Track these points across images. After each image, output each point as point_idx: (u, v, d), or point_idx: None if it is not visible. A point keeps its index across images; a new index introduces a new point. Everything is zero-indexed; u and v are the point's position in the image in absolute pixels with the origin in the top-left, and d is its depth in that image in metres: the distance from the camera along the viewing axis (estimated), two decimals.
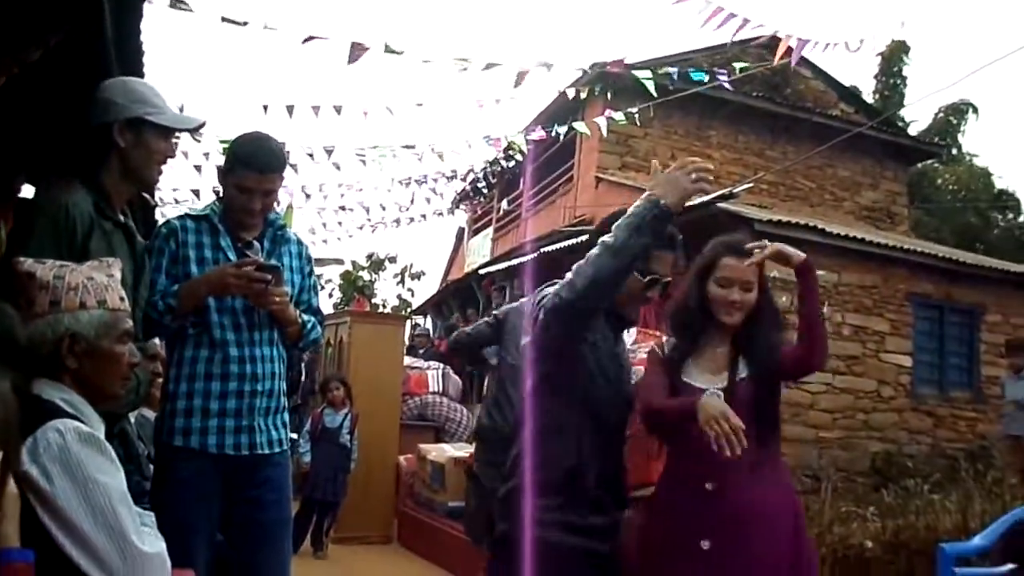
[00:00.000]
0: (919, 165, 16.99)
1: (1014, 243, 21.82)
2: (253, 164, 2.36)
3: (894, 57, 22.21)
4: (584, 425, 2.16)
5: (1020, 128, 43.80)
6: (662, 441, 2.41)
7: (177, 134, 2.60)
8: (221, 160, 2.56)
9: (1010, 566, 3.00)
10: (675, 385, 2.29)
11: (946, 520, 4.72)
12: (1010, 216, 23.84)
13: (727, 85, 6.90)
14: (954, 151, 22.63)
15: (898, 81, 22.43)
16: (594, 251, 2.05)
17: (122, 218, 2.16)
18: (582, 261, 2.07)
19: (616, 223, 2.06)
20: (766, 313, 2.34)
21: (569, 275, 2.08)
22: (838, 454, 7.66)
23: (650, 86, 6.65)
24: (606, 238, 2.04)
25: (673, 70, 6.56)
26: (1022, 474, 6.28)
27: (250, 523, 2.39)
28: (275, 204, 2.54)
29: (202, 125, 2.43)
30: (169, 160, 2.25)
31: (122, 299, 1.66)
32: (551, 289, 2.17)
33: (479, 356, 4.35)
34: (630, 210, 2.06)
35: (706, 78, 6.53)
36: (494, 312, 3.90)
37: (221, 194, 2.50)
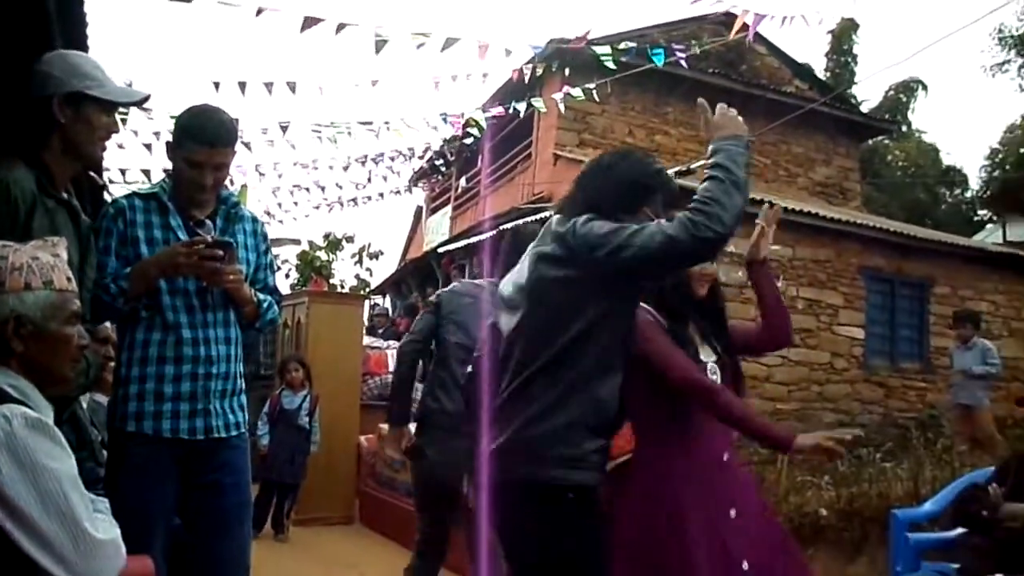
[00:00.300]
0: (870, 142, 17.28)
1: (961, 218, 22.39)
2: (202, 137, 2.28)
3: (844, 35, 22.53)
4: (623, 364, 2.09)
5: (967, 105, 44.82)
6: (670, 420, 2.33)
7: (122, 109, 2.50)
8: (167, 136, 2.47)
9: (960, 530, 3.08)
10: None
11: (898, 487, 4.84)
12: (957, 192, 24.44)
13: (683, 63, 6.89)
14: (904, 128, 23.08)
15: (848, 59, 22.78)
16: (717, 187, 1.95)
17: (66, 196, 2.08)
18: (708, 196, 1.93)
19: (720, 161, 2.00)
20: (718, 288, 2.45)
21: (704, 209, 1.92)
22: (794, 425, 7.80)
23: (609, 62, 6.63)
24: (724, 174, 1.97)
25: (632, 45, 6.53)
26: (970, 441, 6.46)
27: (209, 508, 2.35)
28: (227, 179, 2.45)
29: (146, 98, 2.31)
30: (113, 135, 2.17)
31: (69, 279, 1.60)
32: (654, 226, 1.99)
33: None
34: (723, 149, 2.02)
35: (664, 57, 6.52)
36: (429, 301, 3.74)
37: (171, 171, 2.42)
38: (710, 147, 2.06)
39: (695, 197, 1.95)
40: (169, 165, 2.41)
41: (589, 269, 1.99)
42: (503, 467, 2.06)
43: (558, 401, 2.00)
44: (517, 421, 2.02)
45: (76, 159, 2.12)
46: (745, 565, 2.18)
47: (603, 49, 6.65)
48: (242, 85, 6.66)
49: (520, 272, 2.17)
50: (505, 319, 2.18)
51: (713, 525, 2.20)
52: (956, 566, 2.87)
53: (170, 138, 2.40)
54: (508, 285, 2.22)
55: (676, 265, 2.11)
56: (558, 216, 2.14)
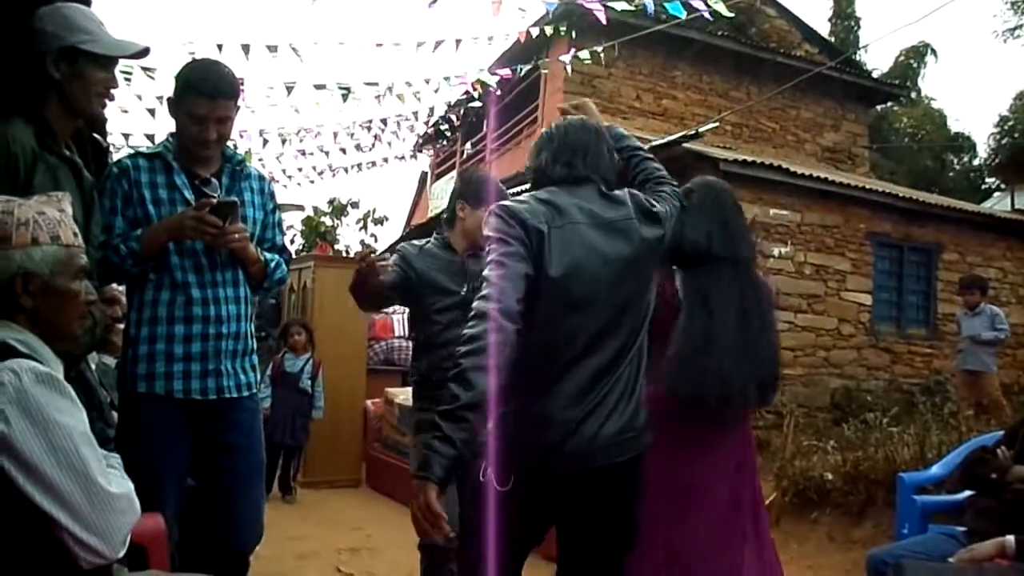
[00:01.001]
0: (878, 108, 17.09)
1: (969, 185, 22.20)
2: (204, 89, 2.24)
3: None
4: None
5: (976, 71, 44.26)
6: None
7: (124, 68, 2.44)
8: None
9: (968, 493, 3.08)
10: None
11: (904, 452, 4.83)
12: (965, 159, 24.21)
13: (707, 15, 6.75)
14: (913, 94, 22.82)
15: (852, 23, 22.48)
16: None
17: (68, 153, 2.05)
18: None
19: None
20: None
21: None
22: (799, 390, 7.82)
23: (627, 17, 6.55)
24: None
25: (648, 2, 6.41)
26: (976, 407, 6.46)
27: (224, 468, 2.35)
28: (230, 135, 2.41)
29: (144, 51, 2.22)
30: (113, 90, 2.12)
31: (76, 234, 1.58)
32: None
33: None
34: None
35: (684, 12, 6.39)
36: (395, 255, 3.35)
37: (174, 129, 2.38)
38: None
39: None
40: (173, 128, 2.37)
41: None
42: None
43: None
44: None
45: (75, 116, 2.08)
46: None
47: (621, 5, 6.54)
48: (246, 48, 6.59)
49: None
50: None
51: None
52: (963, 528, 2.87)
53: (170, 96, 2.35)
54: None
55: None
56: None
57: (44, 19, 2.01)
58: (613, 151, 2.20)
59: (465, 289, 2.73)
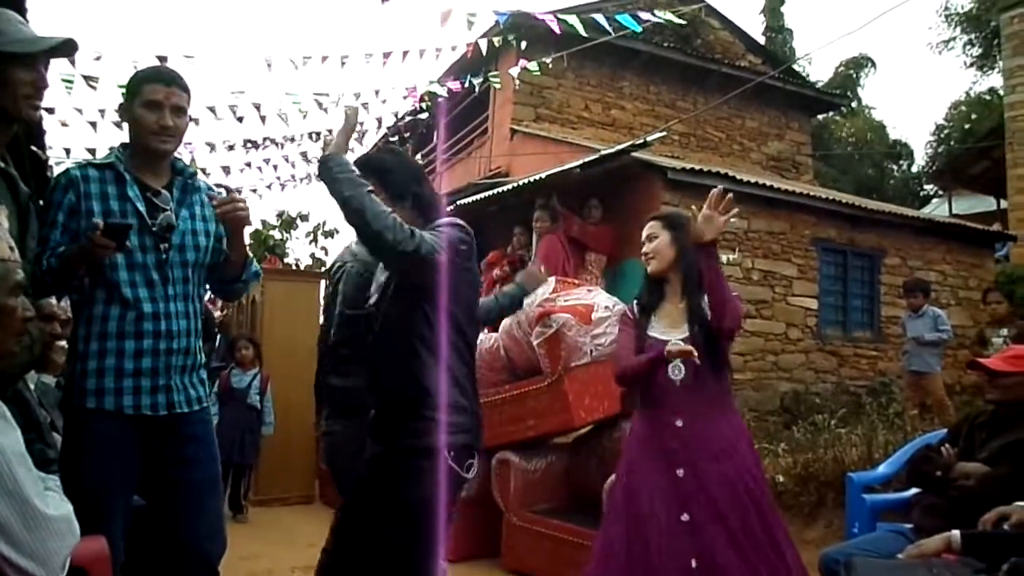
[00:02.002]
0: (820, 117, 17.50)
1: (908, 192, 22.86)
2: (160, 76, 2.28)
3: (775, 11, 22.82)
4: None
5: (913, 82, 45.66)
6: (638, 392, 2.86)
7: (66, 76, 2.36)
8: (113, 115, 2.37)
9: (915, 490, 3.15)
10: (643, 340, 2.76)
11: (852, 452, 4.93)
12: (903, 167, 24.93)
13: (661, 20, 6.84)
14: (853, 104, 23.45)
15: (785, 36, 23.08)
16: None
17: (2, 165, 1.98)
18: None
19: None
20: (693, 271, 2.73)
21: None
22: (750, 395, 7.92)
23: (580, 29, 6.60)
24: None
25: (598, 15, 6.48)
26: (921, 407, 6.62)
27: (180, 482, 2.30)
28: (185, 132, 2.38)
29: (68, 43, 2.07)
30: (43, 90, 2.03)
31: (12, 248, 1.53)
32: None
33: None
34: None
35: (639, 27, 6.48)
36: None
37: (127, 136, 2.31)
38: None
39: None
40: (115, 141, 2.32)
41: None
42: None
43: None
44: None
45: (8, 122, 2.00)
46: (685, 517, 2.56)
47: (571, 19, 6.60)
48: (190, 59, 6.48)
49: None
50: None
51: (658, 478, 2.63)
52: (911, 525, 2.93)
53: (122, 101, 2.31)
54: None
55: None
56: None
57: None
58: None
59: None
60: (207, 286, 2.52)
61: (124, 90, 2.29)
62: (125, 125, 2.34)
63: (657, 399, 2.72)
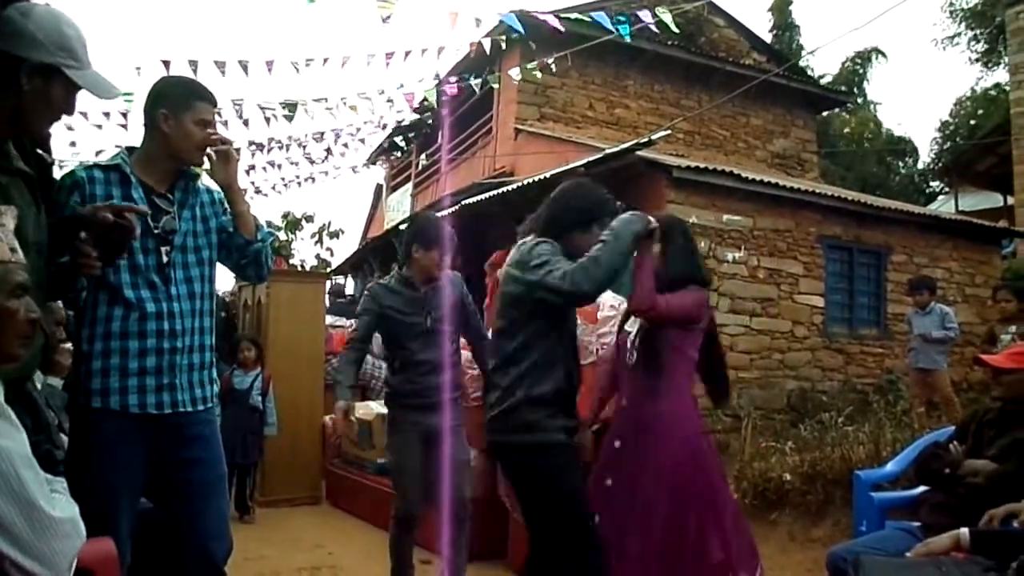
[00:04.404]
0: (824, 114, 17.45)
1: (913, 189, 22.79)
2: (209, 96, 2.34)
3: (784, 9, 22.75)
4: (567, 358, 2.78)
5: (918, 78, 45.50)
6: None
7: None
8: (128, 114, 2.37)
9: (922, 488, 3.13)
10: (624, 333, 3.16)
11: (859, 450, 4.91)
12: (909, 163, 24.84)
13: (653, 27, 6.84)
14: (859, 100, 23.36)
15: (792, 33, 23.01)
16: (602, 249, 2.55)
17: (21, 165, 1.96)
18: (591, 256, 2.54)
19: (614, 226, 2.61)
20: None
21: (584, 265, 2.53)
22: (756, 393, 7.90)
23: (579, 28, 6.61)
24: (613, 239, 2.57)
25: (599, 14, 6.48)
26: (928, 404, 6.58)
27: (186, 482, 2.30)
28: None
29: (118, 96, 2.19)
30: (65, 117, 2.03)
31: (13, 250, 1.51)
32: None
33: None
34: (623, 219, 2.64)
35: (628, 33, 6.48)
36: (366, 295, 3.80)
37: (167, 135, 2.29)
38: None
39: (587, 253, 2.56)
40: (121, 141, 2.32)
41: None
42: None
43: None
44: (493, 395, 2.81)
45: (20, 128, 1.99)
46: (609, 482, 2.94)
47: (575, 16, 6.60)
48: (193, 64, 6.48)
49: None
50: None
51: (606, 447, 3.07)
52: (919, 523, 2.92)
53: (154, 106, 2.29)
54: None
55: (560, 304, 2.65)
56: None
57: (33, 19, 1.84)
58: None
59: (429, 321, 3.57)
60: (233, 275, 2.58)
61: (158, 96, 2.31)
62: (133, 127, 2.34)
63: (620, 381, 3.15)
